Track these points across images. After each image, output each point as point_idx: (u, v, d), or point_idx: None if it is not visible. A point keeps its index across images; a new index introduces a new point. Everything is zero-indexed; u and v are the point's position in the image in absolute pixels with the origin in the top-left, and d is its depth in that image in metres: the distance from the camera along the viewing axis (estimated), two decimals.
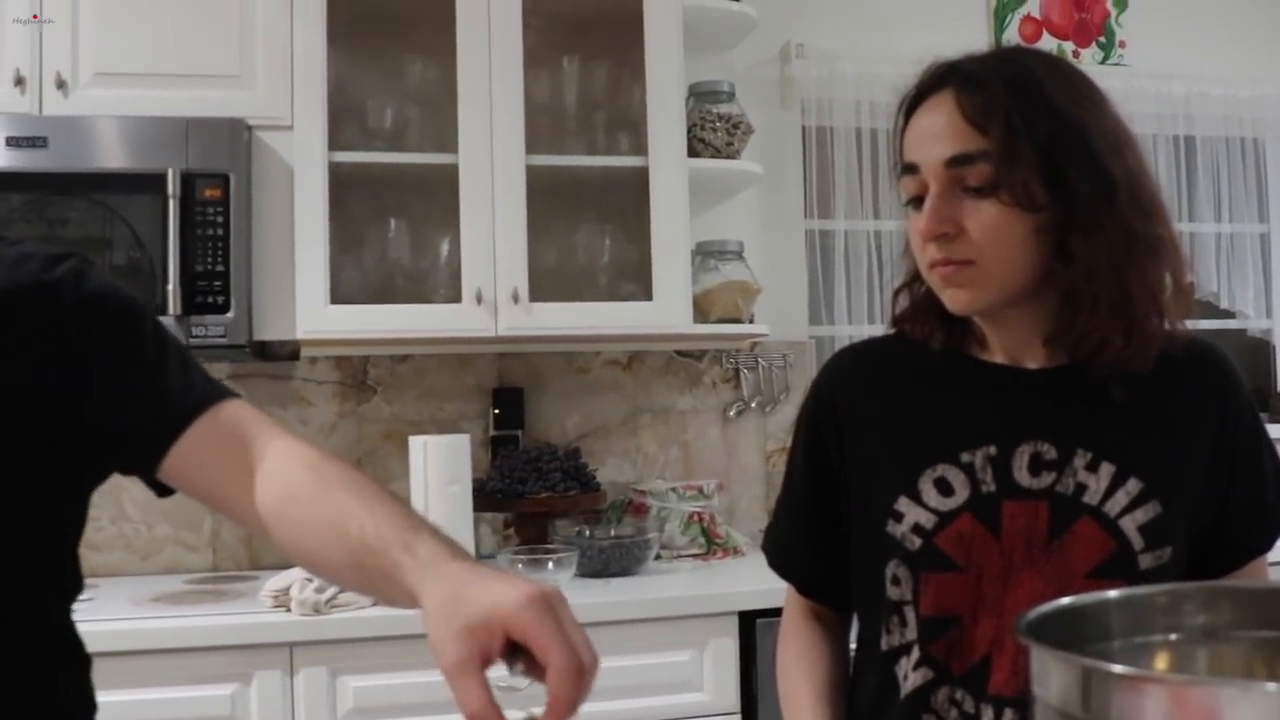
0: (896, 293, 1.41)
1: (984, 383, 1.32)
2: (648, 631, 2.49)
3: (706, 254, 3.09)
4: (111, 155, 2.60)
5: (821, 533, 1.41)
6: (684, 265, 2.90)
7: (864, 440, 1.36)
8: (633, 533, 2.85)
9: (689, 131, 2.98)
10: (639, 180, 2.91)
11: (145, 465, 1.19)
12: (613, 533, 2.86)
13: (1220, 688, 0.73)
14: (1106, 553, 1.22)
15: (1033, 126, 1.21)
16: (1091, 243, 1.21)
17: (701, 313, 3.02)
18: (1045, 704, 0.80)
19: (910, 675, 1.28)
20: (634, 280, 3.01)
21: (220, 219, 2.62)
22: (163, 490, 1.23)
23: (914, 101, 1.31)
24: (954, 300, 1.26)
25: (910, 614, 1.28)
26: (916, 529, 1.27)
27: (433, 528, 1.04)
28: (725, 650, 2.52)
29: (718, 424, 3.34)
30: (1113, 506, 1.23)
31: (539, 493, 2.86)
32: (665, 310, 2.88)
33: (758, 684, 2.53)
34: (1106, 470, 1.24)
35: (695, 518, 3.02)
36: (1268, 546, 1.33)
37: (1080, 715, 0.76)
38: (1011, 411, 1.29)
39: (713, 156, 3.04)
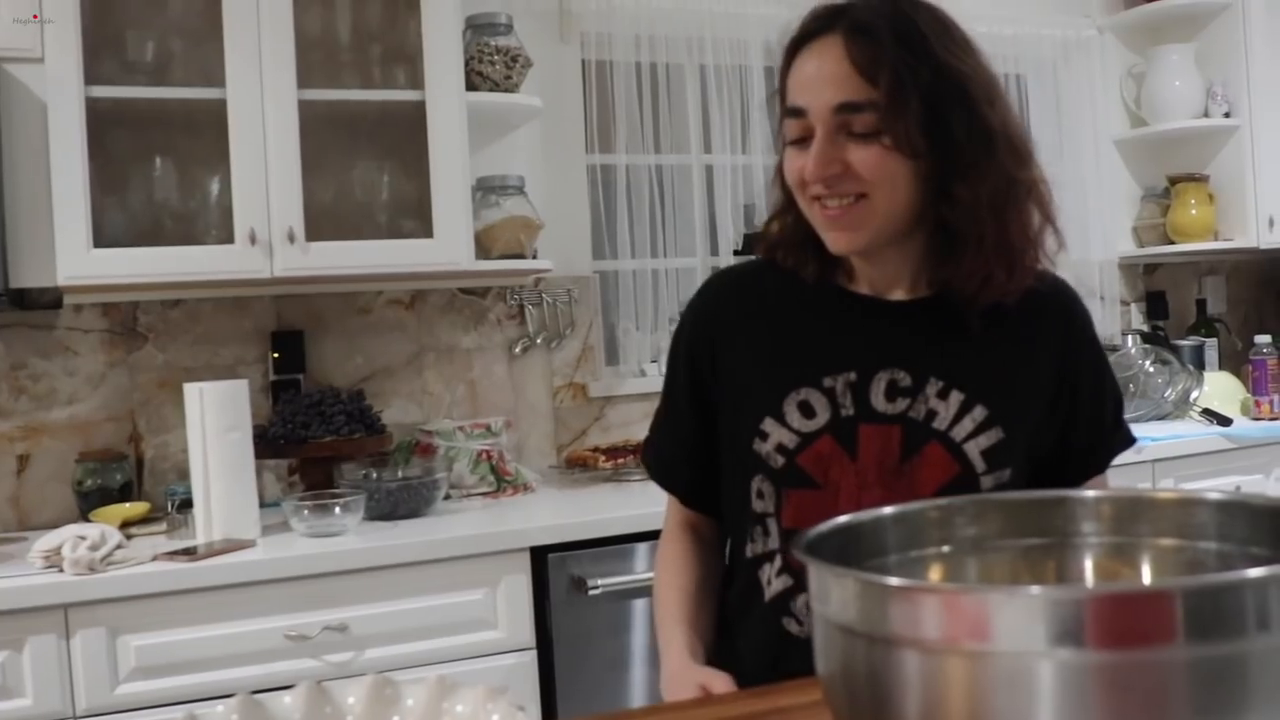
0: (769, 222, 1.47)
1: (849, 313, 1.41)
2: (439, 572, 2.47)
3: (487, 189, 3.06)
4: None
5: (701, 447, 1.50)
6: (464, 201, 2.87)
7: (735, 363, 1.44)
8: (421, 473, 2.82)
9: (467, 65, 2.93)
10: (416, 114, 2.85)
11: None
12: (400, 474, 2.82)
13: (988, 593, 0.76)
14: (951, 474, 1.32)
15: (918, 79, 1.27)
16: (974, 187, 1.29)
17: (484, 249, 2.99)
18: (825, 620, 0.82)
19: (773, 581, 1.39)
20: (414, 217, 2.96)
21: None
22: None
23: (800, 42, 1.34)
24: (836, 241, 1.34)
25: (773, 525, 1.38)
26: (780, 448, 1.36)
27: None
28: (518, 586, 2.52)
29: (504, 361, 3.33)
30: (959, 432, 1.33)
31: (323, 437, 2.80)
32: (446, 247, 2.84)
33: (551, 618, 2.55)
34: (955, 398, 1.34)
35: (484, 456, 3.00)
36: (1105, 464, 1.46)
37: (859, 629, 0.78)
38: (873, 341, 1.37)
39: (491, 90, 3.00)
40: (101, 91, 2.64)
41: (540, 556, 2.55)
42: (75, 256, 2.58)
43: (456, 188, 2.84)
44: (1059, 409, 1.39)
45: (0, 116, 2.55)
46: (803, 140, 1.31)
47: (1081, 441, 1.42)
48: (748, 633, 1.43)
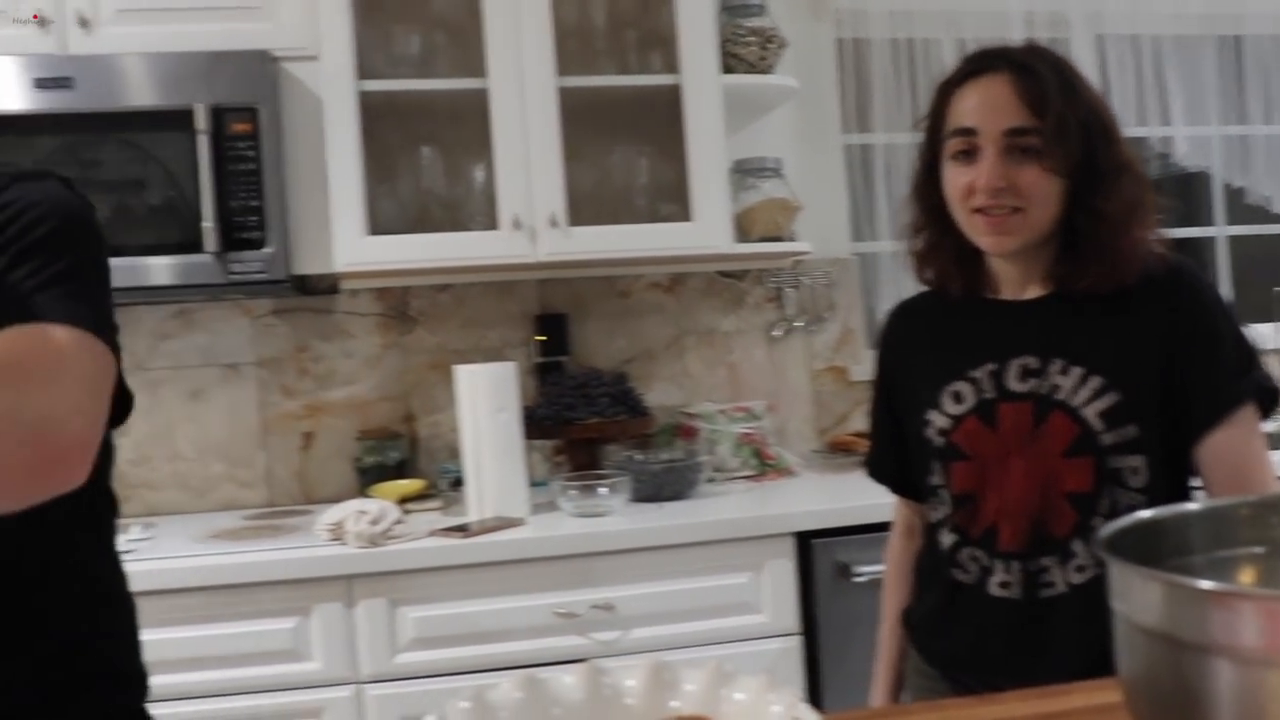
0: (912, 238, 1.73)
1: (988, 315, 1.68)
2: (705, 554, 2.48)
3: (745, 172, 3.05)
4: (138, 93, 2.58)
5: (899, 445, 1.79)
6: (722, 184, 2.86)
7: (909, 372, 1.76)
8: (683, 456, 2.84)
9: (721, 47, 2.92)
10: (672, 98, 2.86)
11: None
12: (664, 456, 2.85)
13: None
14: (1073, 435, 1.55)
15: (1076, 115, 1.54)
16: (1112, 204, 1.55)
17: (742, 232, 2.98)
18: (1127, 620, 0.78)
19: (945, 539, 1.67)
20: (673, 201, 2.97)
21: (251, 153, 2.60)
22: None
23: (962, 78, 1.61)
24: (996, 244, 1.60)
25: (944, 494, 1.66)
26: (940, 431, 1.65)
27: None
28: (783, 571, 2.52)
29: (763, 344, 3.32)
30: (1078, 400, 1.56)
31: (587, 419, 2.85)
32: (705, 230, 2.85)
33: (817, 603, 2.53)
34: (1076, 372, 1.56)
35: (746, 439, 3.01)
36: (1225, 410, 1.56)
37: (1166, 633, 0.74)
38: (1007, 335, 1.64)
39: (746, 72, 2.98)
40: (372, 86, 2.75)
41: (804, 542, 2.53)
42: (351, 244, 2.70)
43: (714, 171, 2.85)
44: (1174, 369, 1.55)
45: (282, 113, 2.69)
46: (964, 155, 1.58)
47: (1200, 392, 1.55)
48: (930, 585, 1.73)
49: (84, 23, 2.64)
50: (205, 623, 2.31)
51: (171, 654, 2.28)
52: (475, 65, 2.80)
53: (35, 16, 2.62)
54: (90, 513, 1.30)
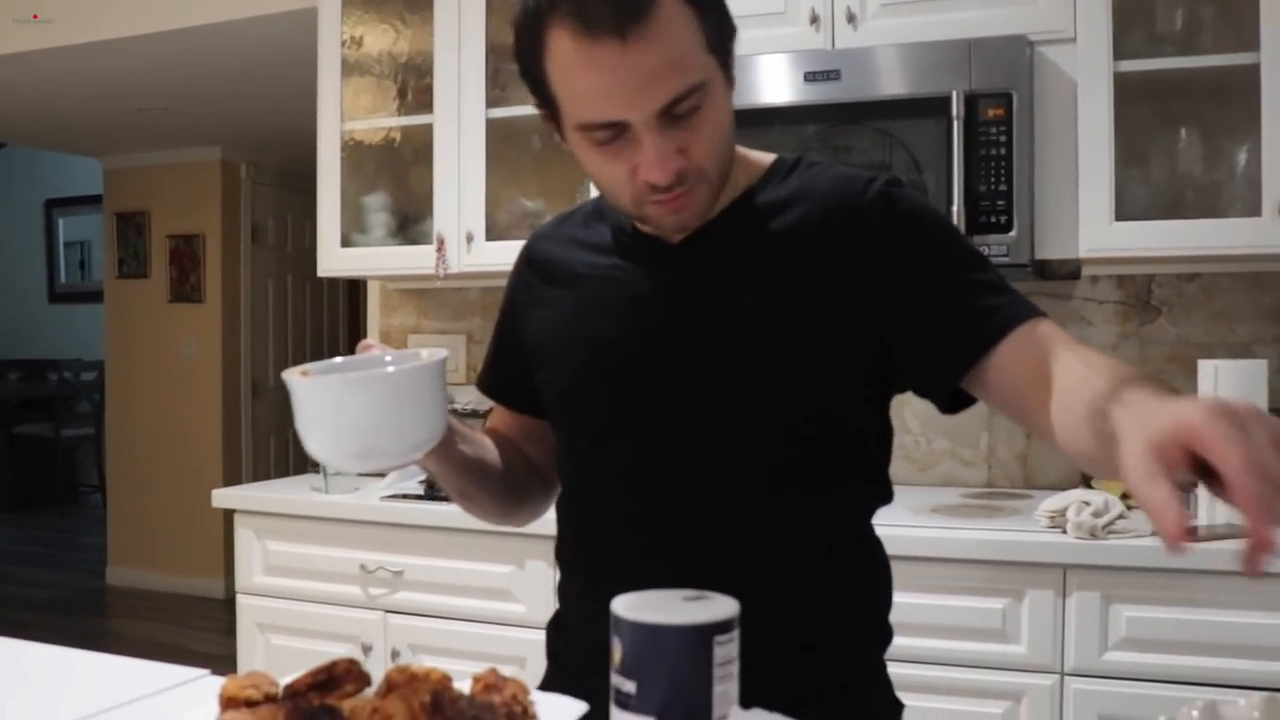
0: None
1: None
2: None
3: None
4: (895, 82, 2.70)
5: None
6: None
7: None
8: None
9: None
10: None
11: (945, 379, 1.27)
12: None
13: None
14: None
15: None
16: None
17: None
18: None
19: None
20: None
21: (1002, 138, 2.62)
22: (952, 406, 1.30)
23: None
24: None
25: None
26: None
27: (1157, 383, 1.02)
28: None
29: None
30: None
31: None
32: None
33: None
34: None
35: None
36: None
37: None
38: None
39: None
40: (1129, 66, 2.66)
41: None
42: (1097, 230, 2.64)
43: None
44: None
45: (1034, 97, 2.68)
46: None
47: None
48: None
49: (851, 18, 2.81)
50: (919, 592, 2.40)
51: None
52: (1246, 38, 2.61)
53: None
54: (859, 495, 1.41)
